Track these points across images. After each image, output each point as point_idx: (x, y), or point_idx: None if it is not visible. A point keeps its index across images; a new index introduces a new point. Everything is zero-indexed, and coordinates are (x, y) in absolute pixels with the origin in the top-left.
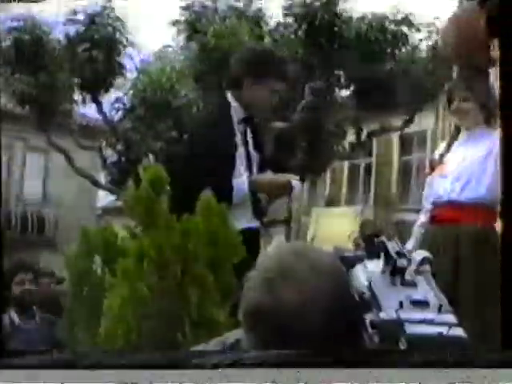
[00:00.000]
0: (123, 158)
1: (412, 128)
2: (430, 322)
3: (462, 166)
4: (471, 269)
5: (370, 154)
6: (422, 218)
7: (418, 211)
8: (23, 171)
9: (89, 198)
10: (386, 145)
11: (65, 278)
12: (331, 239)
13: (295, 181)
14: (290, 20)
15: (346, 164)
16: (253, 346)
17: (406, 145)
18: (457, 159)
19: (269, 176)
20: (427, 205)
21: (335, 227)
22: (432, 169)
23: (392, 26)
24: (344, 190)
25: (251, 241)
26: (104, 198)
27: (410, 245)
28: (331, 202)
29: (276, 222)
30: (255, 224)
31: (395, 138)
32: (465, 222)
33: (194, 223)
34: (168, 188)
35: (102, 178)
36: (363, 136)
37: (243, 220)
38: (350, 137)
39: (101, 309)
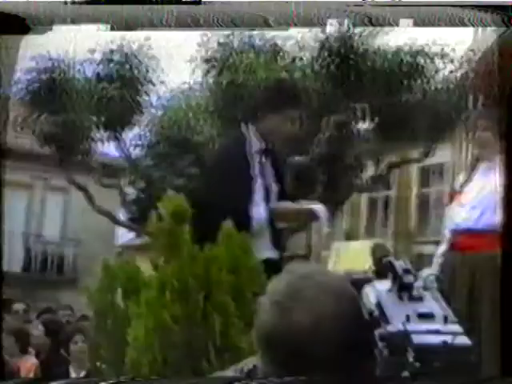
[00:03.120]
0: (143, 195)
1: (430, 160)
2: (436, 332)
3: (480, 195)
4: (490, 294)
5: (388, 187)
6: (443, 247)
7: (436, 243)
8: (43, 210)
9: (108, 236)
10: (405, 177)
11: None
12: (351, 273)
13: (319, 206)
14: (306, 54)
15: (364, 197)
16: (269, 369)
17: (424, 177)
18: (476, 189)
19: (289, 204)
20: (447, 234)
21: (355, 261)
22: (451, 199)
23: (408, 58)
24: (363, 223)
25: (273, 271)
26: (123, 236)
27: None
28: (350, 236)
29: (295, 257)
30: (276, 254)
31: (414, 170)
32: (483, 249)
33: (217, 252)
34: (190, 219)
35: (122, 215)
36: (382, 169)
37: (263, 250)
38: (369, 169)
39: (125, 340)
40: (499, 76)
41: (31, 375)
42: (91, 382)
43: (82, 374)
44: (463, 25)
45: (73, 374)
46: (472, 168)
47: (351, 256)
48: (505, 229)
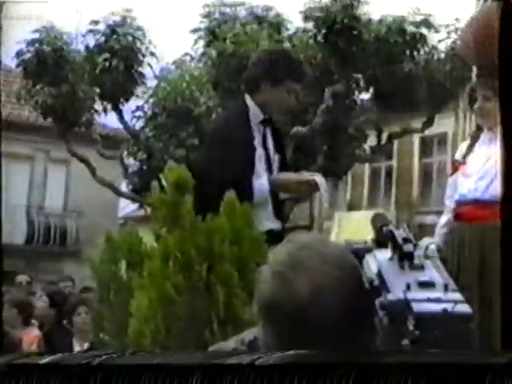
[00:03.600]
0: (145, 167)
1: (432, 130)
2: (437, 300)
3: (486, 165)
4: (497, 266)
5: (390, 157)
6: (445, 217)
7: (439, 213)
8: (45, 182)
9: (111, 207)
10: (407, 147)
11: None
12: (352, 243)
13: (320, 178)
14: (309, 25)
15: (367, 167)
16: (269, 340)
17: (426, 147)
18: (480, 159)
19: (291, 175)
20: (450, 204)
21: (357, 231)
22: (455, 169)
23: (411, 28)
24: (365, 193)
25: (275, 242)
26: (126, 207)
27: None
28: (353, 206)
29: (298, 228)
30: (278, 225)
31: (416, 140)
32: (491, 220)
33: (219, 223)
34: (192, 189)
35: (124, 187)
36: (384, 139)
37: (265, 221)
38: (371, 140)
39: (127, 312)
40: (500, 46)
41: (34, 347)
42: (93, 355)
43: (86, 345)
44: None
45: (76, 346)
46: (475, 138)
47: (353, 226)
48: (504, 200)
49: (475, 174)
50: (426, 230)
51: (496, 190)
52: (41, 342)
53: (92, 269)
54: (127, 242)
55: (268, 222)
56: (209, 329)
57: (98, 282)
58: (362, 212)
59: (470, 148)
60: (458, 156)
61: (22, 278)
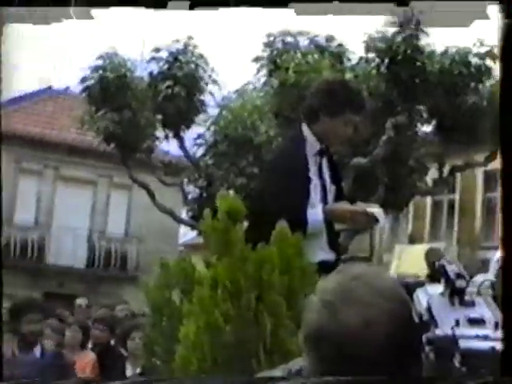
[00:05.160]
0: (204, 194)
1: (496, 164)
2: (485, 338)
3: None
4: None
5: (453, 190)
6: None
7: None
8: (107, 207)
9: (171, 234)
10: (470, 181)
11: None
12: (405, 276)
13: (378, 209)
14: (371, 55)
15: (429, 200)
16: (314, 369)
17: (490, 181)
18: None
19: (346, 205)
20: None
21: (417, 264)
22: None
23: (475, 60)
24: (427, 226)
25: (328, 273)
26: (186, 235)
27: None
28: (414, 239)
29: (356, 259)
30: (332, 257)
31: (479, 174)
32: None
33: (269, 252)
34: (244, 218)
35: (184, 214)
36: (446, 172)
37: (319, 252)
38: (433, 173)
39: (177, 338)
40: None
41: (88, 370)
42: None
43: (138, 370)
44: None
45: (129, 370)
46: None
47: (413, 259)
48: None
49: None
50: (489, 266)
51: None
52: (95, 365)
53: (145, 294)
54: (181, 268)
55: (322, 252)
56: (255, 358)
57: (151, 307)
58: (423, 245)
59: None
60: None
61: (81, 301)
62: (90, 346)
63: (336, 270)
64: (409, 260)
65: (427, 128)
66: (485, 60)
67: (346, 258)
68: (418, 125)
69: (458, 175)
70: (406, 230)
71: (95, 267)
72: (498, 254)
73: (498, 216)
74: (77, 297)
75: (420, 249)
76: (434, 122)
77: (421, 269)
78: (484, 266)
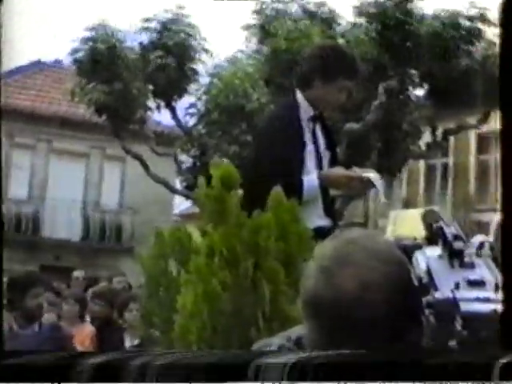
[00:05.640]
0: (198, 163)
1: (489, 126)
2: (486, 300)
3: None
4: None
5: (446, 154)
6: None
7: (495, 211)
8: (101, 179)
9: (166, 204)
10: (463, 144)
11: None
12: (402, 239)
13: (374, 174)
14: (361, 20)
15: (422, 164)
16: (314, 336)
17: (483, 143)
18: None
19: (341, 171)
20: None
21: (413, 229)
22: None
23: (466, 23)
24: (421, 191)
25: (324, 239)
26: (180, 204)
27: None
28: (409, 204)
29: (352, 225)
30: (328, 223)
31: (472, 136)
32: None
33: (265, 219)
34: (238, 185)
35: (178, 184)
36: (439, 135)
37: (315, 218)
38: (426, 136)
39: (175, 307)
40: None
41: (87, 343)
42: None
43: (136, 341)
44: None
45: (127, 342)
46: None
47: (409, 224)
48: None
49: None
50: (483, 228)
51: None
52: (94, 338)
53: (141, 264)
54: (176, 237)
55: (317, 218)
56: (255, 325)
57: (147, 277)
58: (418, 209)
59: None
60: None
61: (78, 274)
62: (88, 318)
63: (332, 235)
64: (404, 224)
65: (419, 92)
66: (475, 23)
67: (341, 225)
68: (410, 89)
69: (452, 138)
70: (400, 195)
71: (90, 239)
72: (497, 216)
73: (492, 178)
74: (73, 269)
75: (415, 213)
76: (426, 86)
77: (417, 232)
78: (479, 228)
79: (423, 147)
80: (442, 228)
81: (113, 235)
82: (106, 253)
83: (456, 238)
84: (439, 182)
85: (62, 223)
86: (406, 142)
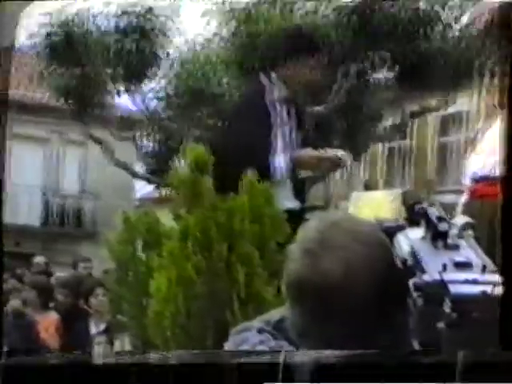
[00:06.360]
0: (161, 148)
1: (449, 109)
2: (474, 282)
3: (495, 143)
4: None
5: (408, 136)
6: (464, 196)
7: (456, 192)
8: (61, 164)
9: (127, 189)
10: (424, 127)
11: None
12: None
13: (344, 154)
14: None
15: (383, 147)
16: (298, 319)
17: (443, 126)
18: (492, 136)
19: (312, 152)
20: (467, 183)
21: (375, 211)
22: (470, 148)
23: (424, 5)
24: (382, 173)
25: (294, 221)
26: (142, 189)
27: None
28: (369, 186)
29: (315, 208)
30: (297, 205)
31: (432, 119)
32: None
33: (239, 202)
34: (211, 169)
35: (140, 168)
36: (402, 118)
37: (284, 200)
38: (389, 119)
39: (146, 292)
40: None
41: (52, 330)
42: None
43: (102, 327)
44: None
45: (93, 328)
46: (490, 116)
47: (371, 206)
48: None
49: (486, 151)
50: (445, 210)
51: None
52: (59, 326)
53: (109, 250)
54: (144, 222)
55: (286, 201)
56: (230, 309)
57: (116, 262)
58: (380, 192)
59: (485, 126)
60: (474, 134)
61: (39, 260)
62: (51, 305)
63: (315, 216)
64: (366, 206)
65: (381, 75)
66: (434, 6)
67: (306, 207)
68: (373, 71)
69: (414, 121)
70: (360, 177)
71: (50, 225)
72: (462, 198)
73: (452, 160)
74: (33, 255)
75: (376, 195)
76: (387, 69)
77: (379, 214)
78: (442, 209)
79: (386, 129)
80: (424, 209)
81: (73, 220)
82: (66, 238)
83: (440, 219)
84: (400, 165)
85: (23, 209)
86: (369, 124)
